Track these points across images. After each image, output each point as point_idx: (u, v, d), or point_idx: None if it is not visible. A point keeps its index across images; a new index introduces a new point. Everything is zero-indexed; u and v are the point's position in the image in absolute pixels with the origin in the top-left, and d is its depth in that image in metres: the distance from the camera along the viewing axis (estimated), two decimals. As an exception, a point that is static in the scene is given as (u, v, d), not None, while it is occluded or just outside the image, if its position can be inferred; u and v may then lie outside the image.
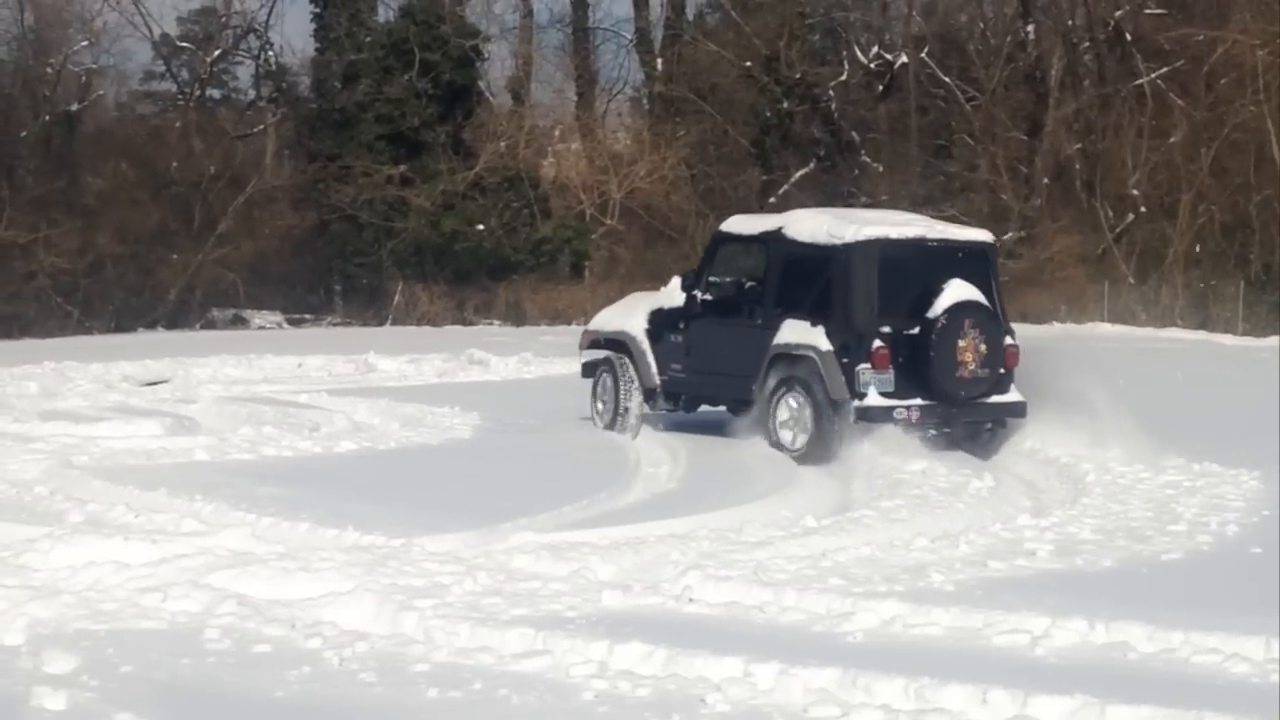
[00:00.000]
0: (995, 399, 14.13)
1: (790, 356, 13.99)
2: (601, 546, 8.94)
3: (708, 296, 15.32)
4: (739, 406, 14.82)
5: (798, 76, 47.27)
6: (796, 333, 13.98)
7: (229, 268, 44.03)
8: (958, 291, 13.80)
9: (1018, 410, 14.16)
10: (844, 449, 13.34)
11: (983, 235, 15.47)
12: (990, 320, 13.98)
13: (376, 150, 44.26)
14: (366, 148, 44.22)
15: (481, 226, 43.20)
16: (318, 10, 47.01)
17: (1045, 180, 44.16)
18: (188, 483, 11.74)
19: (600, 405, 16.07)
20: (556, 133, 50.41)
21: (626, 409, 15.69)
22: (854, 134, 48.55)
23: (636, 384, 15.66)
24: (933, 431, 13.87)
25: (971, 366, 13.81)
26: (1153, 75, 42.44)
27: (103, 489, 11.57)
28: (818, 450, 13.51)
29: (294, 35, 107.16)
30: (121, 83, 52.49)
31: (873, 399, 13.51)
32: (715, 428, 14.86)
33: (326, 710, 6.03)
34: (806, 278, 14.41)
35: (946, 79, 46.45)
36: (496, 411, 17.79)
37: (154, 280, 42.65)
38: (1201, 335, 35.95)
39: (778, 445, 13.88)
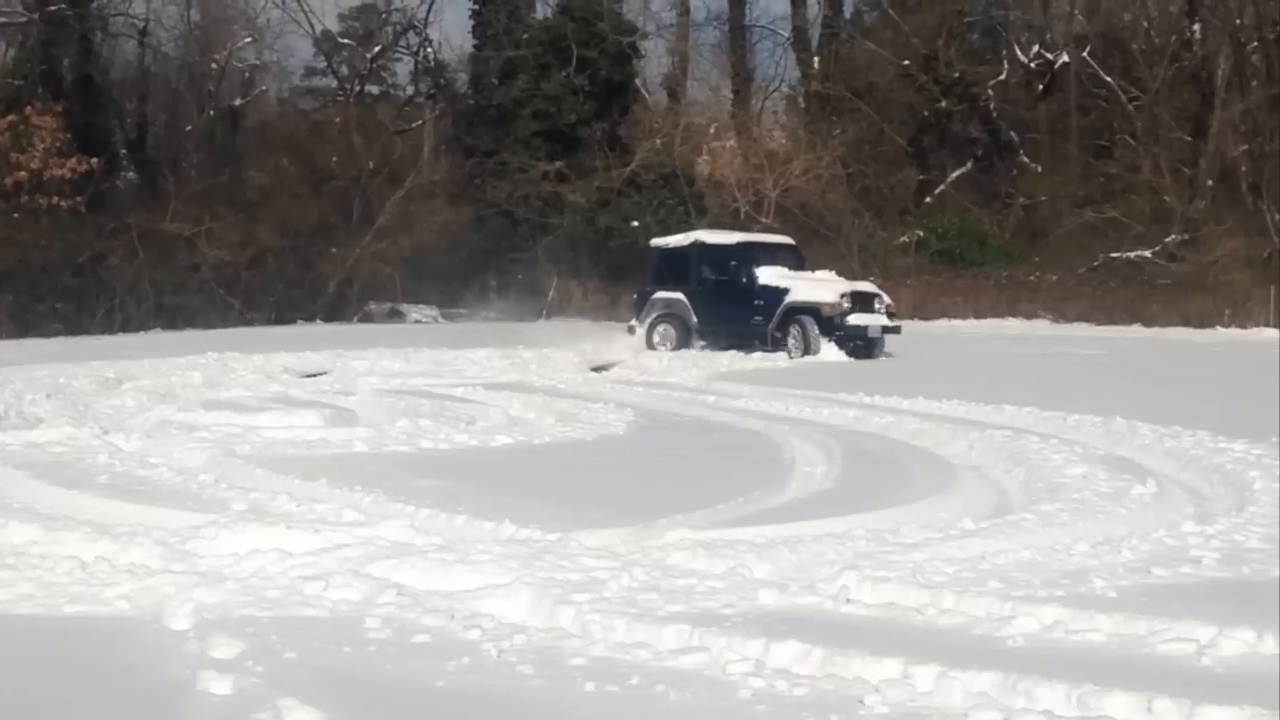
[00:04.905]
0: None
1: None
2: (757, 544, 8.87)
3: None
4: None
5: (956, 75, 46.86)
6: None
7: (386, 262, 44.54)
8: None
9: None
10: None
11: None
12: None
13: (533, 146, 44.54)
14: (523, 144, 44.51)
15: (636, 223, 43.33)
16: (476, 7, 47.53)
17: (1210, 182, 43.31)
18: (347, 473, 11.92)
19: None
20: (712, 130, 50.43)
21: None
22: (1012, 134, 48.01)
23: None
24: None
25: None
26: (1323, 75, 41.53)
27: (265, 478, 11.77)
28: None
29: (453, 32, 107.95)
30: (283, 78, 53.55)
31: None
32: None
33: (486, 701, 6.06)
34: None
35: (1109, 79, 45.75)
36: (650, 408, 17.89)
37: (313, 273, 43.29)
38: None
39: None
